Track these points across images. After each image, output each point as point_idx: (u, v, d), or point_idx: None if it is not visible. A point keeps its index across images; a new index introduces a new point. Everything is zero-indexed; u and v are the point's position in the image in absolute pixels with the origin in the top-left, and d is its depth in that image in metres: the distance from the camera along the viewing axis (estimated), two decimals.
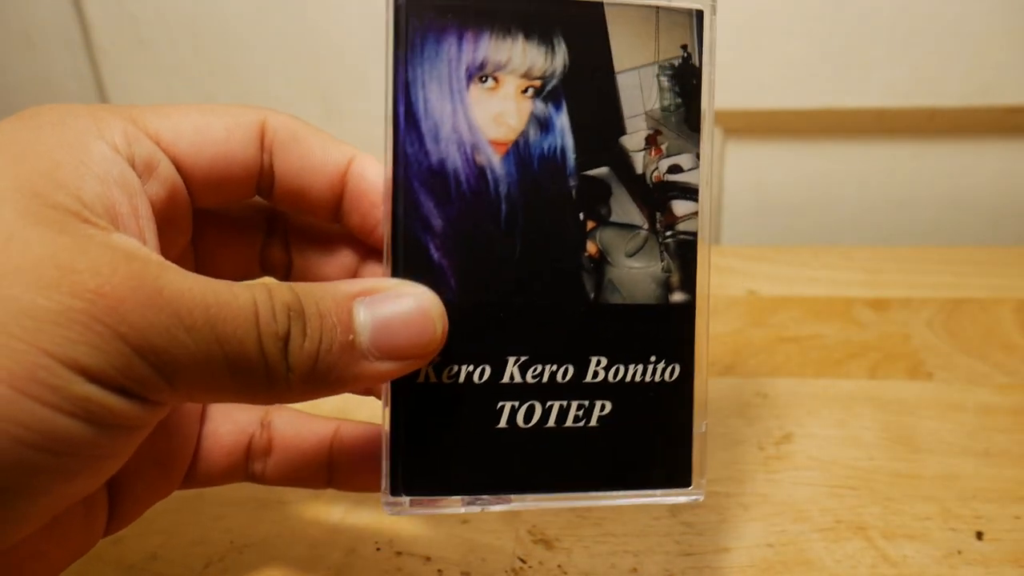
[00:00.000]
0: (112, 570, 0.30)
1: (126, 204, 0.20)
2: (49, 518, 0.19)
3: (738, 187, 0.59)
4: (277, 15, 0.55)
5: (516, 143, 0.22)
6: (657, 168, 0.23)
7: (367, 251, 0.26)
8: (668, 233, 0.23)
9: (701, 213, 0.24)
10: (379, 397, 0.24)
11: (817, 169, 0.57)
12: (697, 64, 0.23)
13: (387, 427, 0.22)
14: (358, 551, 0.30)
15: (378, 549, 0.31)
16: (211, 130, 0.23)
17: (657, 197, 0.23)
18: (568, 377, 0.23)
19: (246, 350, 0.19)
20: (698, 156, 0.24)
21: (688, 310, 0.24)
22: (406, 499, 0.22)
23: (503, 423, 0.23)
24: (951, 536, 0.30)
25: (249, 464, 0.26)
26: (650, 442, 0.24)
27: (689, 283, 0.24)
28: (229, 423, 0.26)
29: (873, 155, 0.56)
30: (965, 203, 0.57)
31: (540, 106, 0.23)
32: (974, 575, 0.28)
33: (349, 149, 0.24)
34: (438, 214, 0.22)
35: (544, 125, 0.23)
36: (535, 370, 0.23)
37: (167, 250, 0.23)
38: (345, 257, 0.26)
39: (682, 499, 0.24)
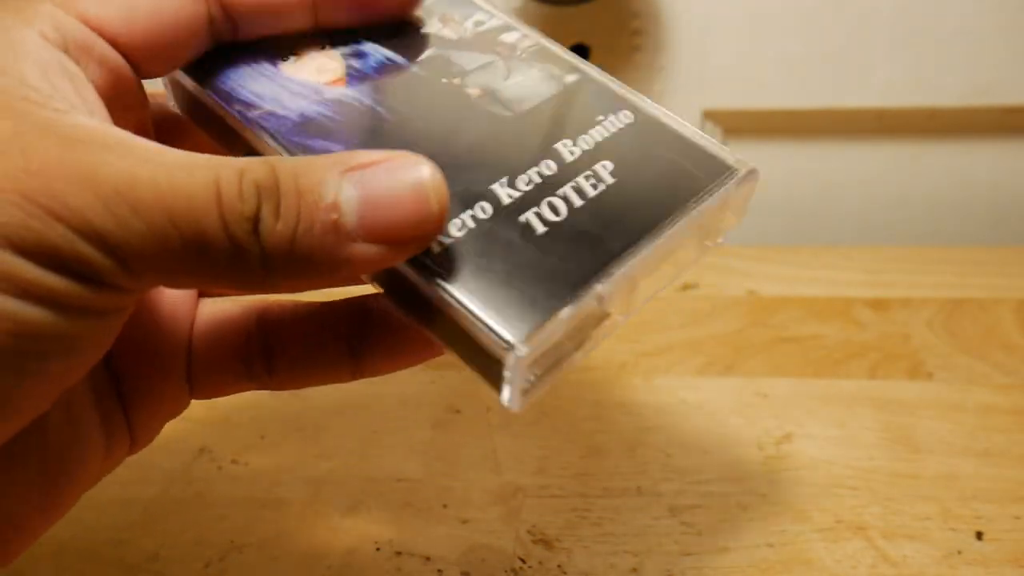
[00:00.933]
0: (113, 570, 0.30)
1: (72, 89, 0.19)
2: (38, 408, 0.19)
3: None
4: None
5: (348, 74, 0.24)
6: (465, 28, 0.26)
7: None
8: (518, 52, 0.25)
9: (528, 33, 0.26)
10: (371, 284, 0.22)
11: (817, 169, 0.57)
12: None
13: (451, 306, 0.20)
14: (358, 551, 0.30)
15: (378, 549, 0.31)
16: (139, 2, 0.21)
17: (485, 42, 0.25)
18: (554, 168, 0.23)
19: (207, 232, 0.17)
20: (487, 11, 0.26)
21: (587, 80, 0.25)
22: (523, 347, 0.20)
23: (540, 228, 0.21)
24: (951, 536, 0.30)
25: (250, 368, 0.25)
26: (667, 164, 0.23)
27: (569, 66, 0.25)
28: (217, 321, 0.25)
29: (873, 155, 0.56)
30: (965, 203, 0.57)
31: (343, 48, 0.25)
32: (974, 575, 0.28)
33: None
34: (335, 148, 0.22)
35: (357, 55, 0.25)
36: (524, 179, 0.22)
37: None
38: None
39: (741, 181, 0.23)
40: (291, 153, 0.22)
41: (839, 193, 0.57)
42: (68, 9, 0.20)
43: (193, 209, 0.17)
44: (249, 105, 0.23)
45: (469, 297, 0.20)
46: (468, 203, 0.22)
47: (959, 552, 0.29)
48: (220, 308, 0.26)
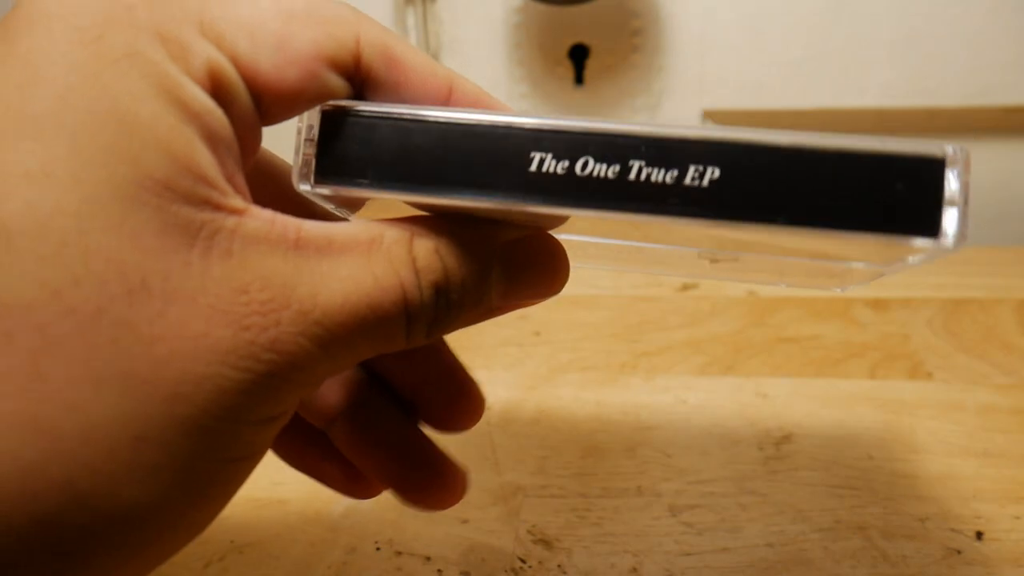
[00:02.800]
0: None
1: (233, 162, 0.17)
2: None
3: None
4: None
5: None
6: None
7: None
8: None
9: None
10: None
11: None
12: None
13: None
14: (358, 551, 0.30)
15: (378, 549, 0.31)
16: (297, 45, 0.17)
17: None
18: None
19: (394, 335, 0.18)
20: None
21: None
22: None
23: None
24: (951, 536, 0.30)
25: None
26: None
27: None
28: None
29: None
30: None
31: None
32: (974, 575, 0.28)
33: (446, 73, 0.20)
34: None
35: None
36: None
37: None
38: None
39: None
40: None
41: None
42: (217, 42, 0.17)
43: (383, 328, 0.18)
44: None
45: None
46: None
47: (959, 552, 0.29)
48: None
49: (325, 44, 0.18)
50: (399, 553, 0.30)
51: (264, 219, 0.16)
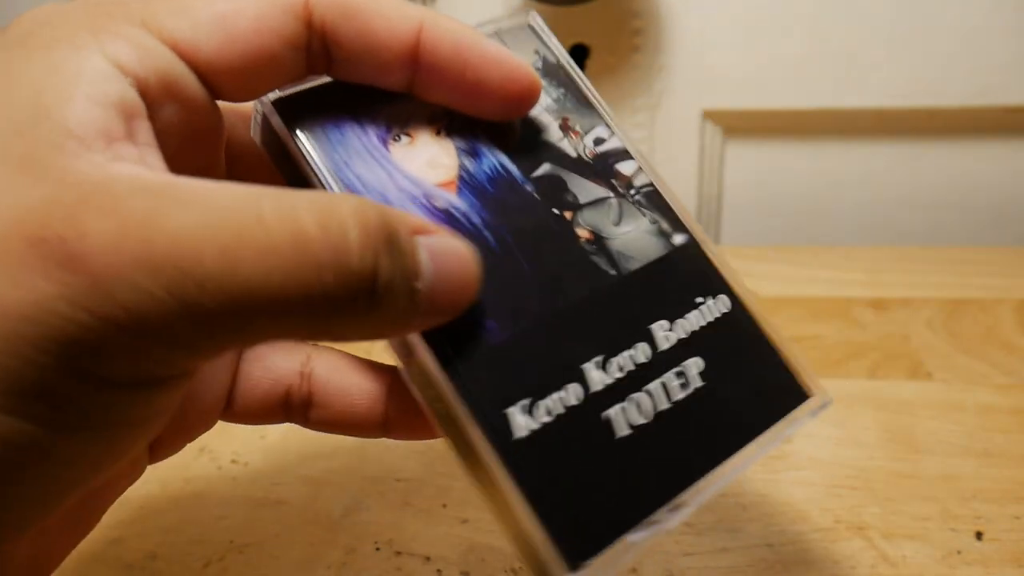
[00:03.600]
0: (111, 570, 0.30)
1: (123, 129, 0.17)
2: (61, 511, 0.17)
3: (738, 187, 0.59)
4: None
5: (461, 176, 0.22)
6: (586, 146, 0.24)
7: None
8: (631, 191, 0.24)
9: (643, 165, 0.24)
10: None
11: (817, 169, 0.57)
12: (554, 59, 0.25)
13: (515, 501, 0.19)
14: (358, 551, 0.30)
15: (377, 549, 0.31)
16: (238, 21, 0.18)
17: (602, 167, 0.24)
18: (648, 355, 0.22)
19: (301, 292, 0.15)
20: (608, 125, 0.25)
21: (693, 246, 0.24)
22: (584, 570, 0.19)
23: (621, 430, 0.21)
24: (951, 536, 0.30)
25: (288, 411, 0.23)
26: (753, 376, 0.23)
27: (678, 223, 0.24)
28: (265, 372, 0.23)
29: (873, 155, 0.56)
30: (965, 203, 0.57)
31: (458, 139, 0.23)
32: (974, 575, 0.28)
33: (415, 16, 0.20)
34: None
35: (473, 152, 0.23)
36: (615, 363, 0.21)
37: (193, 166, 0.20)
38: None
39: (816, 412, 0.23)
40: None
41: (839, 193, 0.57)
42: (158, 33, 0.18)
43: (277, 270, 0.15)
44: (351, 190, 0.21)
45: (535, 498, 0.19)
46: (562, 379, 0.21)
47: (959, 552, 0.29)
48: (262, 363, 0.24)
49: (268, 14, 0.18)
50: (399, 553, 0.30)
51: (124, 170, 0.16)
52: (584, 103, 0.25)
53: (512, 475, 0.19)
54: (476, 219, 0.22)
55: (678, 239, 0.24)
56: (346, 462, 0.35)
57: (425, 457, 0.35)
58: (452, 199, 0.22)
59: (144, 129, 0.17)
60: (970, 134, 0.55)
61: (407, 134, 0.22)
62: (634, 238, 0.23)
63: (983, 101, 0.52)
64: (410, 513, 0.32)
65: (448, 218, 0.21)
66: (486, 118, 0.23)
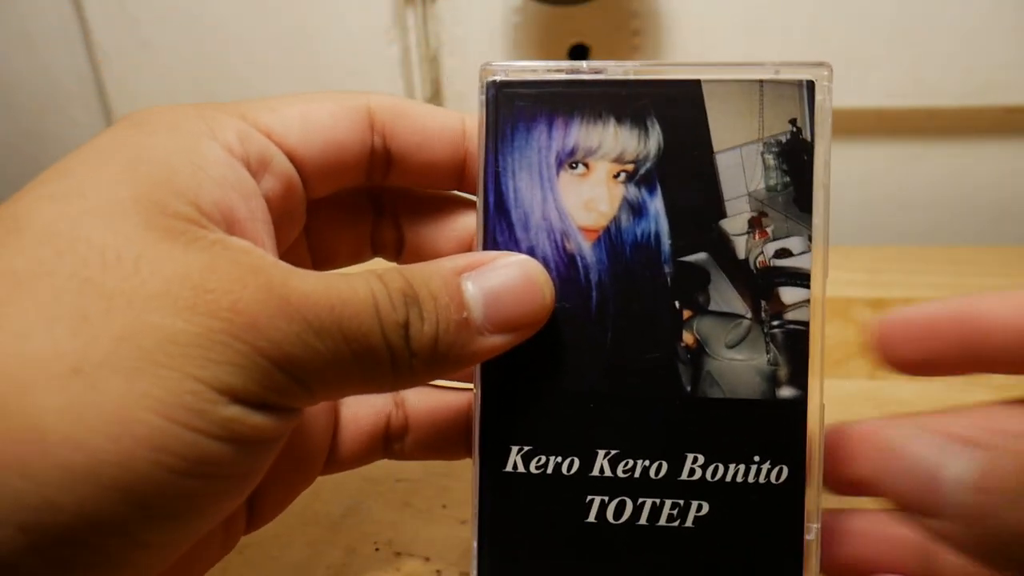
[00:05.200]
0: None
1: (243, 208, 0.20)
2: (199, 538, 0.19)
3: None
4: (278, 16, 0.55)
5: (608, 229, 0.22)
6: (762, 253, 0.21)
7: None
8: (775, 323, 0.21)
9: (814, 302, 0.21)
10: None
11: None
12: (808, 139, 0.21)
13: (476, 513, 0.22)
14: (357, 551, 0.30)
15: (377, 549, 0.31)
16: (318, 117, 0.22)
17: (762, 284, 0.21)
18: (662, 474, 0.21)
19: (372, 343, 0.19)
20: (810, 239, 0.21)
21: (798, 407, 0.21)
22: None
23: (592, 517, 0.22)
24: None
25: (388, 444, 0.26)
26: (753, 549, 0.21)
27: (799, 377, 0.21)
28: (366, 406, 0.26)
29: (873, 155, 0.56)
30: (965, 203, 0.57)
31: (633, 190, 0.22)
32: None
33: (455, 113, 0.24)
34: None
35: (637, 210, 0.22)
36: (626, 464, 0.21)
37: (283, 242, 0.23)
38: (459, 224, 0.25)
39: None
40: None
41: (839, 193, 0.57)
42: (255, 123, 0.21)
43: (361, 324, 0.18)
44: (501, 204, 0.22)
45: (491, 525, 0.22)
46: (570, 450, 0.22)
47: None
48: (365, 400, 0.26)
49: (340, 113, 0.22)
50: (398, 554, 0.30)
51: (242, 244, 0.19)
52: (801, 204, 0.21)
53: (487, 497, 0.22)
54: (594, 276, 0.22)
55: (785, 392, 0.21)
56: None
57: None
58: (585, 248, 0.22)
59: (260, 207, 0.21)
60: (970, 134, 0.55)
61: (585, 164, 0.22)
62: (738, 369, 0.21)
63: (982, 101, 0.52)
64: (410, 514, 0.32)
65: (569, 263, 0.22)
66: None
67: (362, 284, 0.19)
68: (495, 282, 0.20)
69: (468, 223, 0.25)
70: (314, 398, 0.19)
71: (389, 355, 0.19)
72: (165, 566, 0.18)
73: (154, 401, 0.16)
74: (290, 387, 0.18)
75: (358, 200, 0.26)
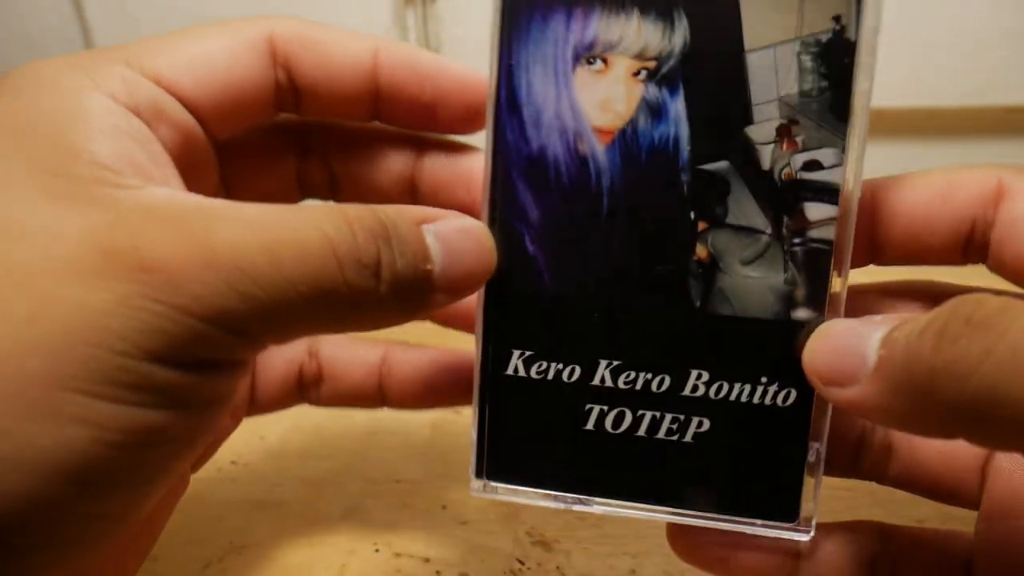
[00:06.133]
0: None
1: (142, 154, 0.19)
2: (158, 498, 0.19)
3: None
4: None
5: (623, 131, 0.20)
6: (789, 164, 0.20)
7: (419, 146, 0.24)
8: (796, 240, 0.20)
9: (843, 219, 0.20)
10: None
11: None
12: (852, 38, 0.19)
13: (476, 412, 0.22)
14: (357, 552, 0.30)
15: (377, 550, 0.31)
16: (211, 57, 0.21)
17: (786, 198, 0.20)
18: (664, 387, 0.21)
19: (327, 285, 0.17)
20: (844, 151, 0.20)
21: (811, 330, 0.20)
22: (490, 484, 0.22)
23: (590, 425, 0.21)
24: None
25: (302, 391, 0.27)
26: (752, 468, 0.21)
27: (817, 299, 0.20)
28: (277, 356, 0.26)
29: (873, 155, 0.56)
30: None
31: (653, 90, 0.20)
32: None
33: (371, 41, 0.22)
34: (535, 204, 0.21)
35: (656, 112, 0.20)
36: (628, 376, 0.21)
37: (197, 193, 0.21)
38: (397, 159, 0.24)
39: (784, 534, 0.21)
40: (492, 180, 0.21)
41: None
42: (140, 69, 0.20)
43: (310, 266, 0.17)
44: (513, 99, 0.21)
45: (494, 422, 0.22)
46: (571, 357, 0.21)
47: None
48: (277, 349, 0.26)
49: (238, 48, 0.21)
50: (398, 555, 0.30)
51: (162, 193, 0.18)
52: (838, 112, 0.20)
53: (487, 397, 0.22)
54: (606, 180, 0.20)
55: (800, 314, 0.20)
56: (346, 463, 0.35)
57: (425, 459, 0.35)
58: (598, 149, 0.20)
59: (159, 151, 0.20)
60: (969, 134, 0.55)
61: (604, 60, 0.20)
62: (752, 287, 0.20)
63: (982, 101, 0.52)
64: (409, 514, 0.32)
65: (580, 165, 0.20)
66: (451, 133, 0.24)
67: (310, 222, 0.17)
68: (454, 241, 0.20)
69: (403, 158, 0.24)
70: (261, 345, 0.18)
71: (350, 295, 0.18)
72: (132, 529, 0.18)
73: (78, 381, 0.15)
74: (226, 340, 0.17)
75: (277, 139, 0.25)
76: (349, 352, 0.27)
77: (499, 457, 0.22)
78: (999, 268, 0.21)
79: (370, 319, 0.19)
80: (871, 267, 0.23)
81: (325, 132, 0.25)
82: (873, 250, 0.22)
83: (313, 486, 0.34)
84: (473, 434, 0.22)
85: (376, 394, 0.27)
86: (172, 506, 0.23)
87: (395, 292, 0.18)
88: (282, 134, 0.25)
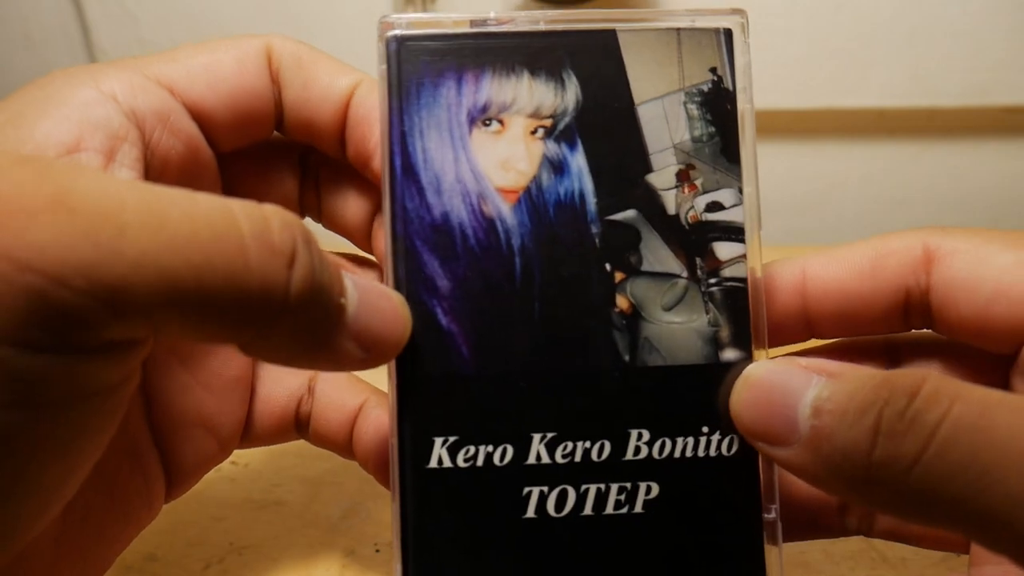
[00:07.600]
0: (110, 570, 0.30)
1: (98, 142, 0.19)
2: (57, 507, 0.17)
3: None
4: (277, 15, 0.55)
5: (528, 190, 0.20)
6: (693, 207, 0.20)
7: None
8: (712, 280, 0.20)
9: (750, 257, 0.20)
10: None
11: (817, 169, 0.57)
12: (730, 87, 0.21)
13: (396, 516, 0.20)
14: (357, 553, 0.30)
15: (377, 551, 0.31)
16: (222, 65, 0.21)
17: (695, 240, 0.20)
18: (605, 455, 0.20)
19: (225, 262, 0.15)
20: (741, 191, 0.21)
21: (738, 372, 0.20)
22: None
23: (531, 512, 0.20)
24: None
25: (299, 427, 0.25)
26: (710, 531, 0.20)
27: (742, 337, 0.20)
28: (280, 387, 0.24)
29: (873, 155, 0.56)
30: (965, 203, 0.57)
31: (552, 147, 0.20)
32: None
33: (356, 75, 0.22)
34: (444, 274, 0.20)
35: (558, 168, 0.20)
36: (565, 448, 0.20)
37: None
38: (363, 202, 0.24)
39: None
40: (393, 252, 0.20)
41: (839, 193, 0.57)
42: (154, 77, 0.21)
43: (203, 234, 0.15)
44: (409, 166, 0.20)
45: (417, 532, 0.20)
46: (500, 437, 0.20)
47: (957, 554, 0.29)
48: (281, 381, 0.25)
49: (245, 59, 0.22)
50: None
51: (66, 159, 0.18)
52: (729, 155, 0.21)
53: (409, 498, 0.19)
54: (516, 241, 0.20)
55: (729, 355, 0.20)
56: (345, 464, 0.35)
57: None
58: (504, 210, 0.20)
59: (126, 151, 0.19)
60: (969, 134, 0.55)
61: (500, 121, 0.20)
62: (677, 332, 0.20)
63: (982, 101, 0.52)
64: None
65: (488, 228, 0.20)
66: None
67: (215, 199, 0.16)
68: (371, 295, 0.18)
69: (367, 204, 0.23)
70: (139, 326, 0.15)
71: (251, 281, 0.15)
72: (15, 546, 0.16)
73: None
74: (84, 308, 0.14)
75: (285, 158, 0.24)
76: (336, 392, 0.24)
77: (429, 569, 0.20)
78: (949, 331, 0.21)
79: (269, 326, 0.16)
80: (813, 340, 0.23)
81: (317, 157, 0.24)
82: (810, 327, 0.22)
83: (313, 486, 0.34)
84: (395, 543, 0.20)
85: (347, 445, 0.24)
86: (131, 530, 0.22)
87: (304, 301, 0.16)
88: (283, 152, 0.24)
